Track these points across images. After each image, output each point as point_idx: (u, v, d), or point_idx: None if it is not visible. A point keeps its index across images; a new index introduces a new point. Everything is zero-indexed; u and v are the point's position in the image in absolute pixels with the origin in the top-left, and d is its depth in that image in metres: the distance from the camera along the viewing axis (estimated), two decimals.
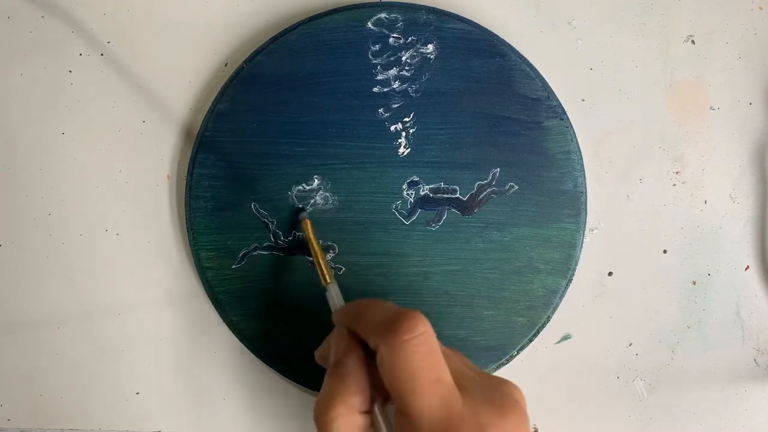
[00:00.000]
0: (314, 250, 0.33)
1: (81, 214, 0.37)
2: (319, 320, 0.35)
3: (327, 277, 0.32)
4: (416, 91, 0.36)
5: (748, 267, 0.38)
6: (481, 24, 0.36)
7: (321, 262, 0.33)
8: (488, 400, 0.25)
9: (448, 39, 0.36)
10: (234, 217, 0.35)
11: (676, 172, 0.38)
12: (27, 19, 0.38)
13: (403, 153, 0.36)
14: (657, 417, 0.38)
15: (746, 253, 0.38)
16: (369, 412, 0.26)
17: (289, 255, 0.35)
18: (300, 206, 0.35)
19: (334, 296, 0.32)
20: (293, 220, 0.35)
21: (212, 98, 0.36)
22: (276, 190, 0.36)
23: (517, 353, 0.36)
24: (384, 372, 0.25)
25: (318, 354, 0.31)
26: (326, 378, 0.27)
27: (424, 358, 0.24)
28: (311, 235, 0.34)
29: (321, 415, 0.26)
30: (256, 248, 0.35)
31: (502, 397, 0.26)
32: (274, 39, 0.36)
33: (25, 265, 0.37)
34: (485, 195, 0.36)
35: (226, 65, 0.38)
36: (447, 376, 0.25)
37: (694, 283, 0.38)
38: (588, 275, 0.38)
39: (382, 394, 0.27)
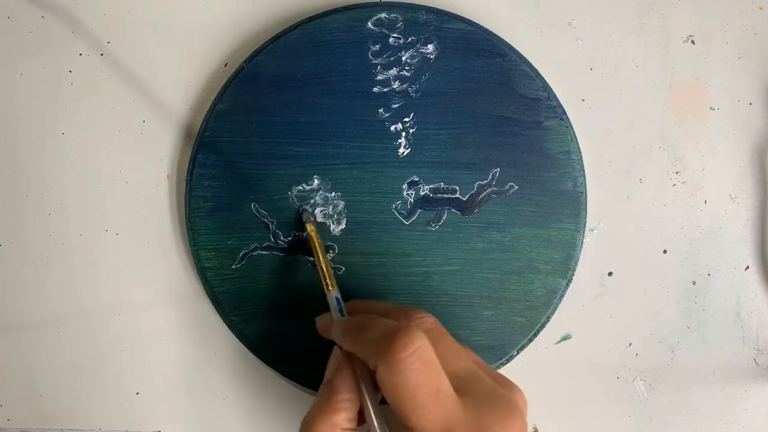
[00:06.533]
0: (317, 254, 0.33)
1: (81, 214, 0.37)
2: None
3: (329, 284, 0.32)
4: (416, 91, 0.36)
5: (748, 267, 0.38)
6: (481, 24, 0.36)
7: (324, 266, 0.32)
8: (490, 405, 0.26)
9: (448, 39, 0.36)
10: (234, 217, 0.35)
11: (676, 172, 0.38)
12: (27, 19, 0.38)
13: (403, 153, 0.36)
14: (657, 417, 0.38)
15: (746, 253, 0.38)
16: (353, 429, 0.27)
17: (289, 255, 0.35)
18: (302, 206, 0.35)
19: (333, 306, 0.31)
20: (296, 220, 0.35)
21: (212, 98, 0.36)
22: (276, 190, 0.36)
23: (517, 353, 0.36)
24: (384, 391, 0.25)
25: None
26: (317, 395, 0.28)
27: (420, 374, 0.25)
28: (315, 239, 0.34)
29: (303, 430, 0.27)
30: (256, 248, 0.35)
31: (503, 403, 0.26)
32: (274, 39, 0.36)
33: (25, 265, 0.37)
34: (485, 195, 0.36)
35: (226, 65, 0.38)
36: (446, 386, 0.25)
37: (694, 283, 0.38)
38: (588, 275, 0.38)
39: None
